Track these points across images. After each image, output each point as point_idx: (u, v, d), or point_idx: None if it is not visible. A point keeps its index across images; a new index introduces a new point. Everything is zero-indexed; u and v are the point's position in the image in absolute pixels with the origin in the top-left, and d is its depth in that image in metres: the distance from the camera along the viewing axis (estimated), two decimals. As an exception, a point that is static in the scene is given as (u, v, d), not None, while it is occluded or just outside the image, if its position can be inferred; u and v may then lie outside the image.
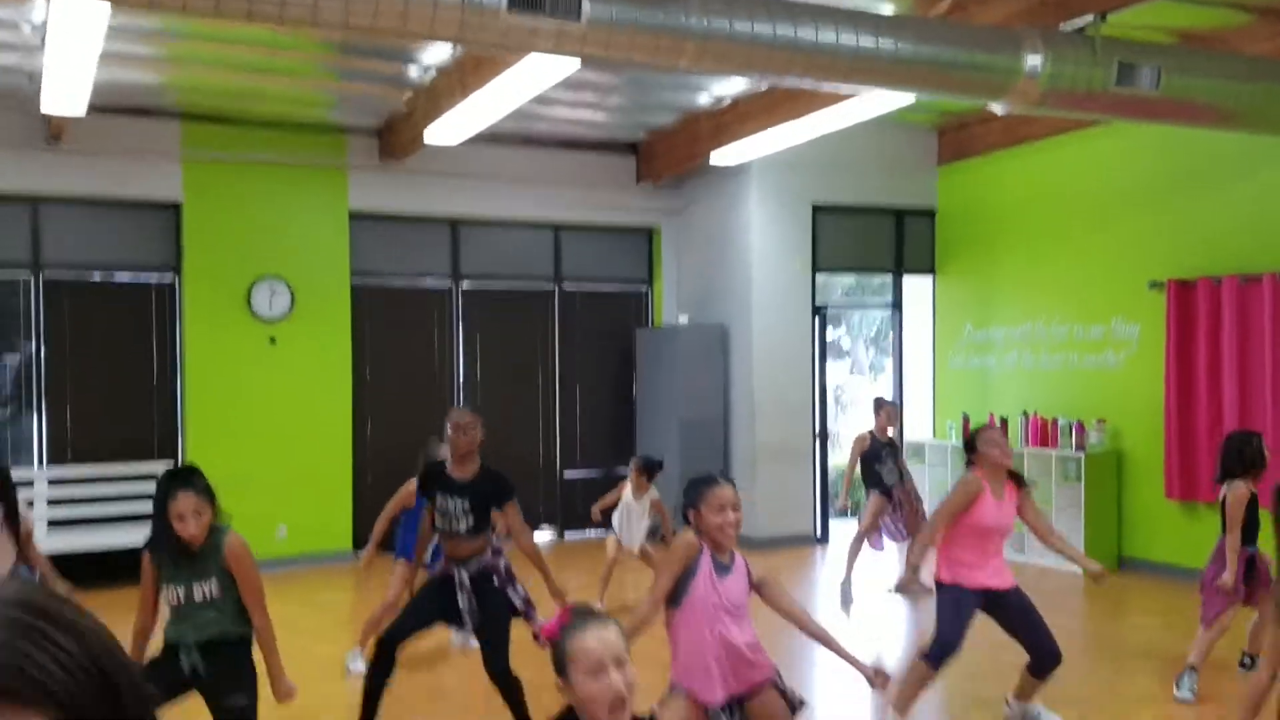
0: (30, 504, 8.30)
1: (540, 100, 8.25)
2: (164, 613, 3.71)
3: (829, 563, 9.21)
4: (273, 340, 9.06)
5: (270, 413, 9.04)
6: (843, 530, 9.56)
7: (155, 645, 3.79)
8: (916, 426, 10.65)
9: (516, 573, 4.87)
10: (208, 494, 3.54)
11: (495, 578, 4.73)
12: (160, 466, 7.90)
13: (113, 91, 7.94)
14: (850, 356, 15.85)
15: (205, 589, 3.52)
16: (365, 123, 9.12)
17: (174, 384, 9.01)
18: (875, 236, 10.49)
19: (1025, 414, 9.29)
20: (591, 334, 10.62)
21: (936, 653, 4.71)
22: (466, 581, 4.70)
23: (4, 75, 7.54)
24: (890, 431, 7.85)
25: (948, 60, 5.10)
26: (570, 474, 10.48)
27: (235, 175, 8.94)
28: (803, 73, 5.08)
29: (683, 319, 10.27)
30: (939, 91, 5.45)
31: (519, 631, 4.74)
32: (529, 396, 10.38)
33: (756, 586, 3.36)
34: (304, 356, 9.17)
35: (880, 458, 7.61)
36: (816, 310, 10.18)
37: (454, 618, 4.77)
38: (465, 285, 10.11)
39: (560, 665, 2.12)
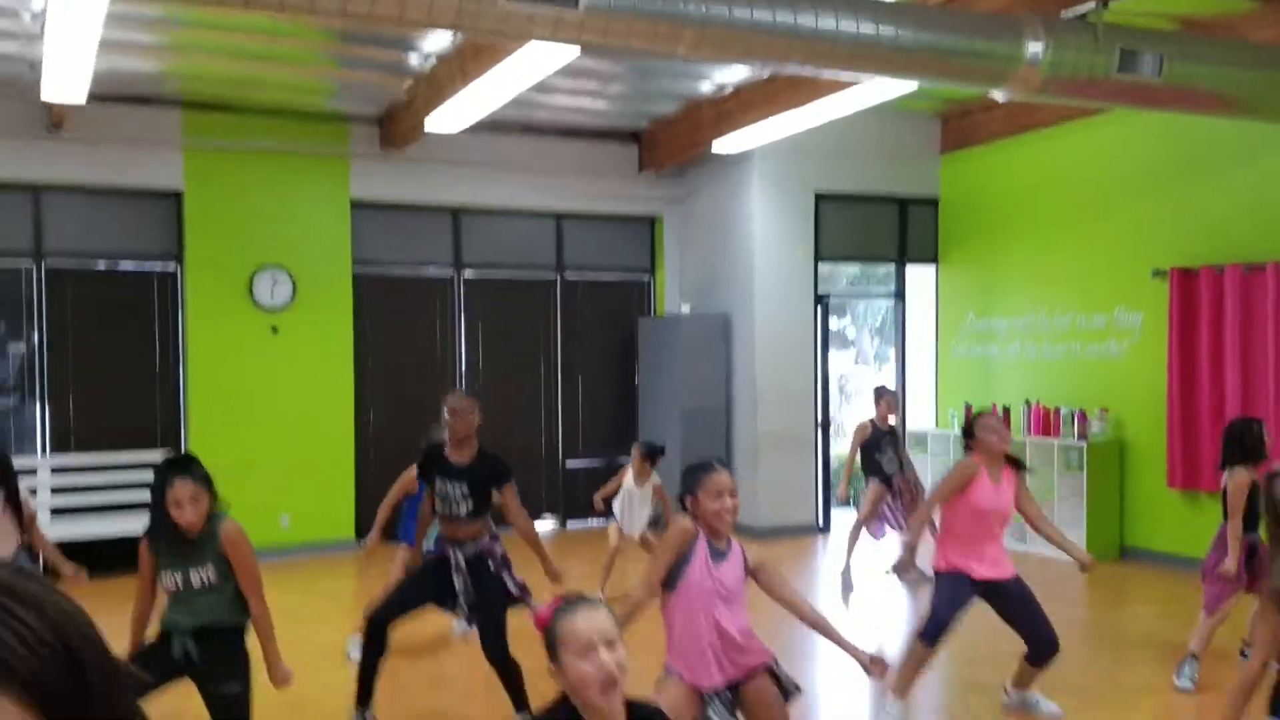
0: (34, 492, 8.34)
1: (542, 88, 8.24)
2: (162, 600, 3.72)
3: (831, 552, 9.21)
4: (275, 329, 9.07)
5: (272, 402, 9.05)
6: (845, 519, 9.56)
7: (154, 632, 3.80)
8: (919, 415, 10.64)
9: (512, 559, 4.89)
10: (205, 482, 3.55)
11: (490, 562, 4.75)
12: (163, 455, 7.92)
13: (114, 80, 7.93)
14: (855, 346, 15.84)
15: (203, 575, 3.53)
16: (366, 111, 9.11)
17: (176, 373, 9.03)
18: (878, 225, 10.47)
19: (1028, 403, 9.27)
20: (594, 323, 10.62)
21: (930, 629, 4.73)
22: (462, 563, 4.72)
23: (5, 64, 7.53)
24: (891, 420, 7.85)
25: (948, 47, 5.08)
26: (572, 463, 10.49)
27: (236, 164, 8.94)
28: (802, 60, 5.05)
29: (685, 308, 10.26)
30: (939, 79, 5.43)
31: (517, 619, 4.75)
32: (531, 386, 10.39)
33: (753, 572, 3.36)
34: (306, 346, 9.18)
35: (880, 446, 7.61)
36: (819, 299, 10.16)
37: (447, 599, 4.78)
38: (467, 274, 10.10)
39: (552, 650, 2.13)
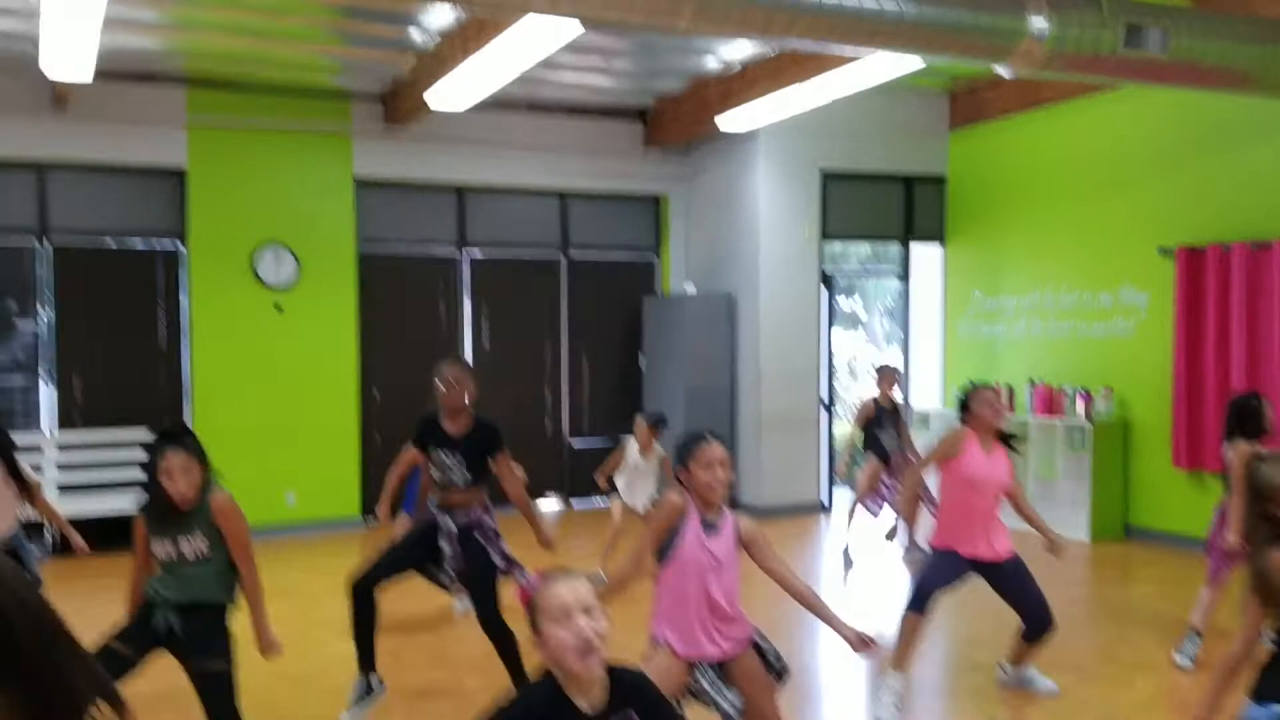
0: (39, 468, 8.39)
1: (546, 65, 8.21)
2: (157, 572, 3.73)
3: (834, 531, 9.22)
4: (279, 307, 9.08)
5: (277, 380, 9.08)
6: (847, 499, 9.56)
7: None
8: (924, 394, 10.62)
9: (512, 528, 4.91)
10: (198, 453, 3.56)
11: (479, 533, 4.76)
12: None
13: (118, 57, 7.93)
14: (866, 327, 15.81)
15: (194, 545, 3.53)
16: (370, 88, 9.09)
17: (181, 350, 9.05)
18: (884, 204, 10.42)
19: (1032, 382, 9.25)
20: (599, 303, 10.61)
21: (915, 598, 4.73)
22: (453, 528, 4.73)
23: (9, 41, 7.54)
24: (897, 396, 7.85)
25: (951, 21, 5.03)
26: (578, 443, 10.51)
27: (240, 141, 8.94)
28: (804, 34, 5.02)
29: (690, 288, 10.25)
30: (942, 54, 5.38)
31: (507, 594, 4.78)
32: (536, 365, 10.39)
33: (745, 544, 3.36)
34: (310, 323, 9.20)
35: (882, 423, 7.63)
36: (825, 278, 10.13)
37: (433, 565, 4.79)
38: (472, 254, 10.10)
39: (533, 620, 2.15)
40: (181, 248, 9.01)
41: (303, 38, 7.74)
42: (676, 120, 9.78)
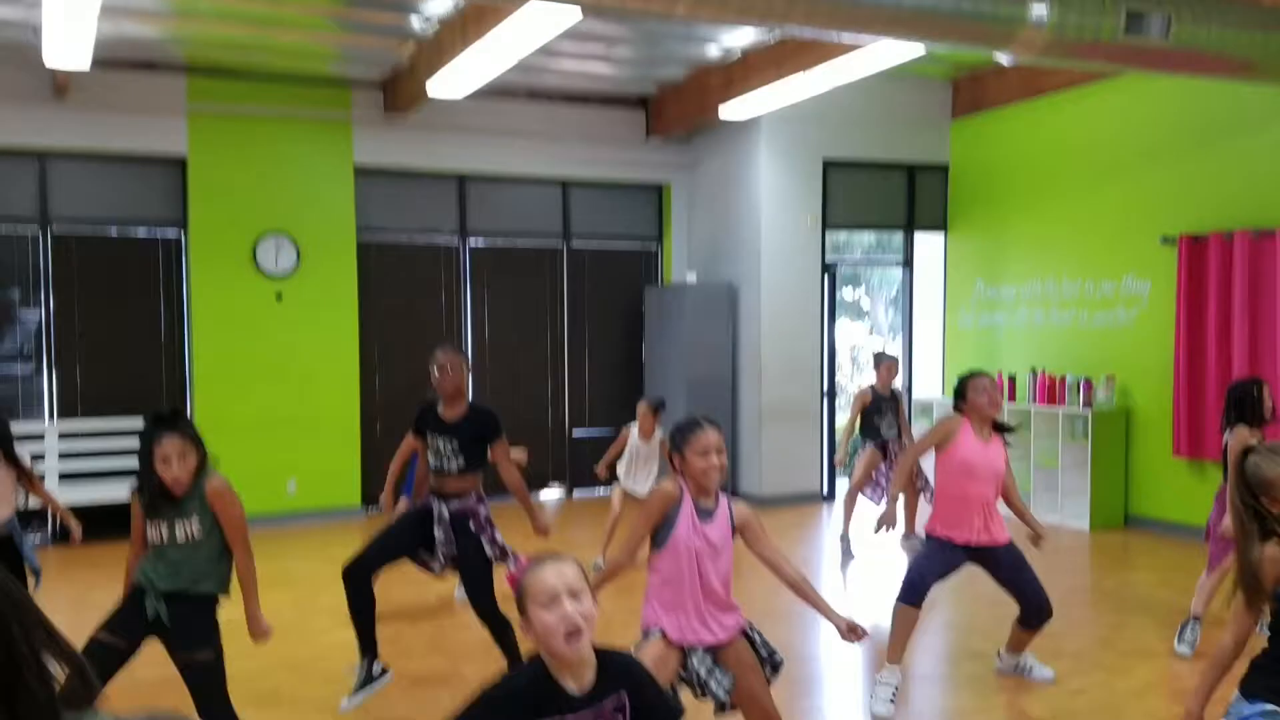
0: (41, 457, 8.41)
1: (547, 52, 8.19)
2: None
3: (835, 521, 9.21)
4: (279, 296, 9.08)
5: (278, 369, 9.09)
6: (847, 488, 9.57)
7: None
8: (926, 384, 10.62)
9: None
10: (194, 439, 3.55)
11: (472, 522, 4.76)
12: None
13: (117, 46, 7.92)
14: (870, 317, 15.79)
15: (187, 528, 3.51)
16: (369, 75, 9.07)
17: (182, 339, 9.06)
18: (886, 192, 10.39)
19: (1034, 371, 9.24)
20: (600, 292, 10.60)
21: (907, 589, 4.72)
22: (446, 515, 4.73)
23: (8, 29, 7.53)
24: (896, 384, 7.84)
25: (951, 8, 5.01)
26: (579, 433, 10.51)
27: (240, 129, 8.93)
28: (804, 21, 5.00)
29: (691, 277, 10.23)
30: (942, 41, 5.36)
31: (500, 583, 4.79)
32: (537, 355, 10.39)
33: (739, 530, 3.35)
34: (311, 312, 9.20)
35: (881, 410, 7.62)
36: (826, 268, 10.12)
37: (426, 552, 4.79)
38: (473, 242, 10.09)
39: (521, 605, 2.15)
40: (182, 236, 9.01)
41: (302, 25, 7.73)
42: (678, 108, 9.75)
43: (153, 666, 3.77)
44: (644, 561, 3.44)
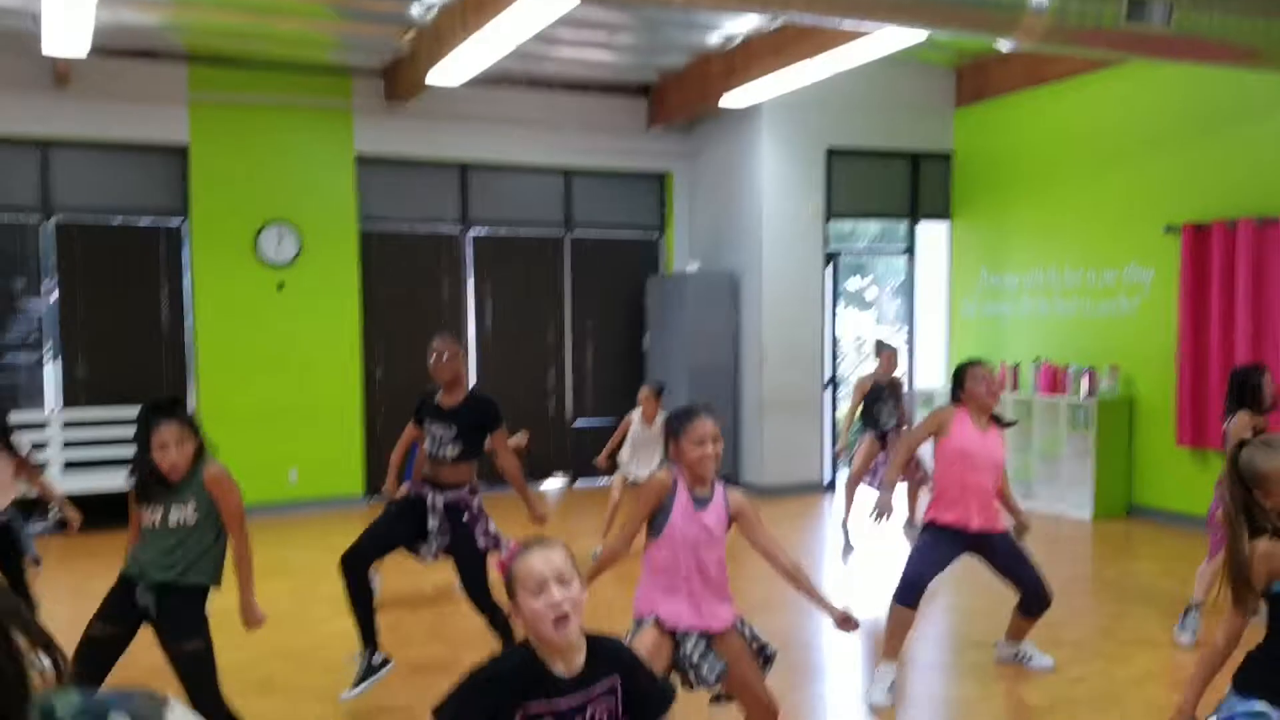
0: (44, 446, 8.43)
1: (548, 40, 8.17)
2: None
3: (837, 510, 9.21)
4: (281, 285, 9.08)
5: (280, 358, 9.09)
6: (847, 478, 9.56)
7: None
8: (929, 373, 10.59)
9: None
10: (191, 425, 3.54)
11: (465, 513, 4.75)
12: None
13: (118, 34, 7.91)
14: (877, 307, 15.74)
15: (182, 513, 3.49)
16: (369, 63, 9.05)
17: (185, 327, 9.06)
18: (890, 181, 10.36)
19: (1037, 361, 9.21)
20: (602, 282, 10.58)
21: (901, 590, 4.69)
22: (440, 505, 4.73)
23: (8, 18, 7.51)
24: (897, 373, 7.81)
25: (952, -6, 4.99)
26: (581, 422, 10.50)
27: (241, 118, 8.92)
28: (805, 8, 4.98)
29: (693, 266, 10.21)
30: (944, 28, 5.34)
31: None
32: (539, 344, 10.38)
33: (734, 517, 3.35)
34: (312, 301, 9.20)
35: (881, 399, 7.60)
36: (829, 257, 10.09)
37: (419, 540, 4.79)
38: (475, 231, 10.07)
39: (510, 590, 2.15)
40: (184, 225, 9.01)
41: (302, 13, 7.71)
42: (679, 96, 9.72)
43: (154, 652, 3.77)
44: (639, 551, 3.44)
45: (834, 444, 10.06)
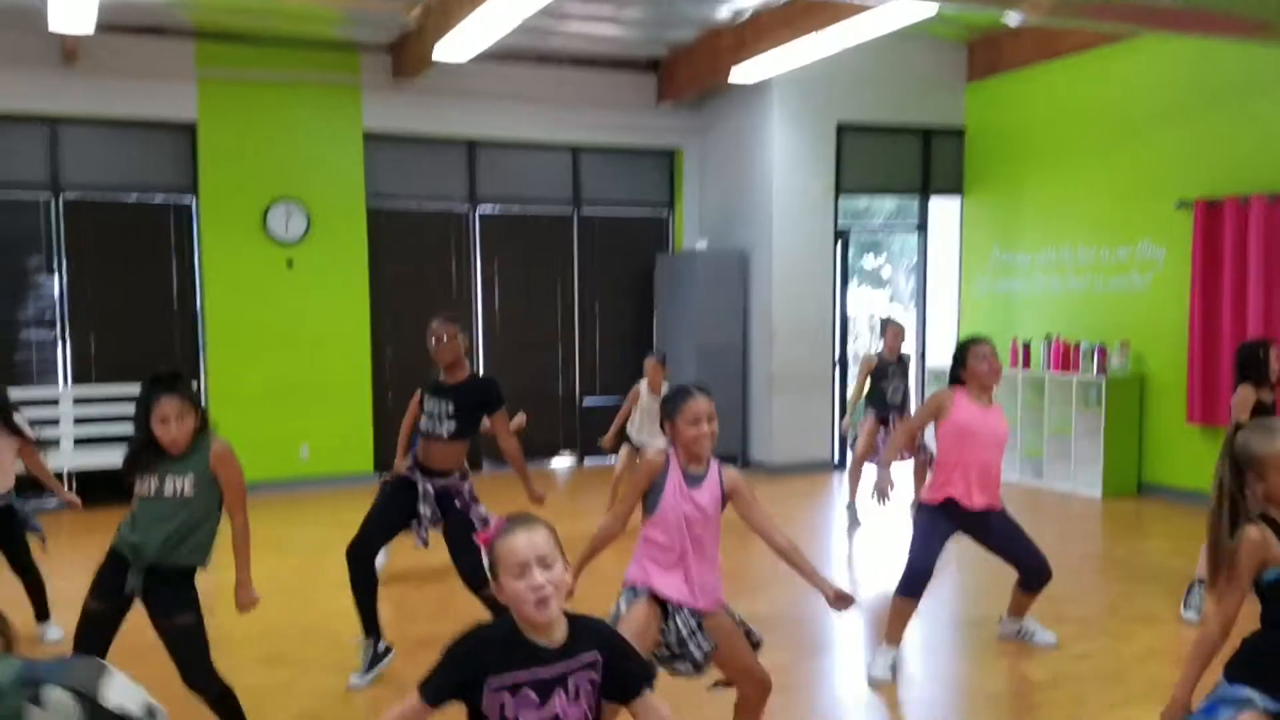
0: (56, 422, 8.49)
1: (555, 15, 8.13)
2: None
3: (844, 491, 9.20)
4: (290, 263, 9.10)
5: (289, 335, 9.12)
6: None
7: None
8: (940, 351, 10.54)
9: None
10: (191, 400, 3.55)
11: (457, 500, 4.76)
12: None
13: (124, 10, 7.90)
14: (891, 285, 15.68)
15: (178, 484, 3.49)
16: (377, 39, 9.02)
17: (195, 305, 9.10)
18: (901, 157, 10.28)
19: (1048, 338, 9.16)
20: (611, 260, 10.55)
21: (905, 582, 4.67)
22: (431, 492, 4.73)
23: (16, -6, 7.52)
24: (903, 350, 7.77)
25: (958, -35, 4.93)
26: (589, 401, 10.50)
27: (250, 94, 8.91)
28: (809, -20, 4.93)
29: (702, 244, 10.17)
30: (952, 0, 5.28)
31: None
32: (548, 322, 10.38)
33: (728, 495, 3.34)
34: (321, 279, 9.21)
35: (887, 376, 7.57)
36: (839, 234, 10.03)
37: (417, 523, 4.80)
38: (483, 209, 10.05)
39: (493, 569, 2.15)
40: (193, 202, 9.02)
41: (308, -11, 7.68)
42: (689, 71, 9.66)
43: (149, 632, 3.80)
44: (635, 528, 3.44)
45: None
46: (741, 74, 8.67)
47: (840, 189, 9.94)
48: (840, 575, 6.42)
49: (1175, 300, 8.25)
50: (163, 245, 9.02)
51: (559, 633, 2.15)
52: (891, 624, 4.70)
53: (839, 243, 10.03)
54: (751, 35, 8.40)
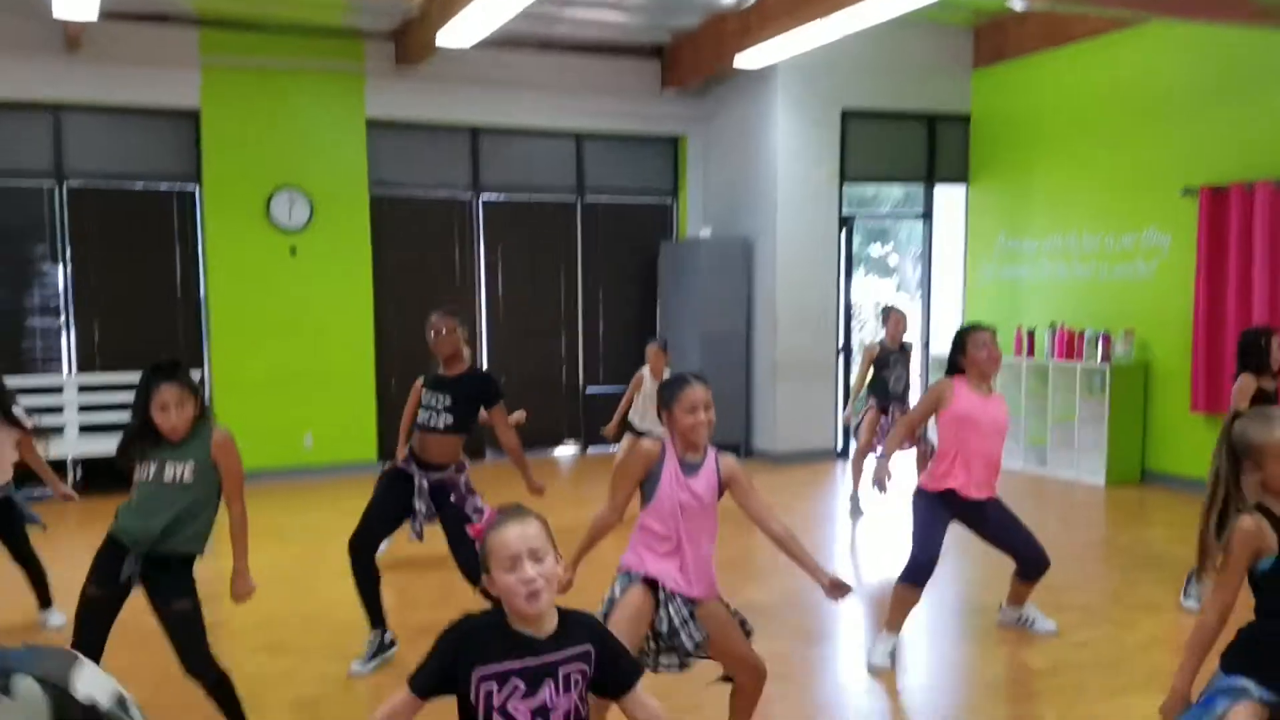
0: (60, 410, 8.52)
1: (558, 1, 8.11)
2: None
3: (849, 476, 9.20)
4: (293, 250, 9.10)
5: (293, 323, 9.12)
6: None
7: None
8: (945, 339, 10.50)
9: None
10: (191, 388, 3.56)
11: (454, 493, 4.76)
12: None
13: (128, -3, 7.89)
14: (899, 273, 15.64)
15: (177, 470, 3.49)
16: (380, 26, 9.00)
17: (198, 293, 9.10)
18: (906, 144, 10.24)
19: (1053, 325, 9.13)
20: (615, 247, 10.54)
21: (910, 571, 4.65)
22: (426, 487, 4.74)
23: (18, -19, 7.51)
24: (905, 338, 7.75)
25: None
26: (593, 389, 10.49)
27: (253, 82, 8.90)
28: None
29: (705, 232, 10.15)
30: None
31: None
32: (551, 311, 10.37)
33: (726, 483, 3.34)
34: (325, 266, 9.21)
35: (889, 364, 7.55)
36: (844, 221, 10.00)
37: (411, 517, 4.81)
38: (486, 197, 10.03)
39: (485, 562, 2.15)
40: (197, 190, 9.02)
41: (311, -24, 7.66)
42: (693, 57, 9.62)
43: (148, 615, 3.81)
44: (632, 518, 3.44)
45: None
46: (746, 60, 8.63)
47: (845, 176, 9.91)
48: (843, 564, 6.41)
49: (1180, 287, 8.22)
50: (166, 233, 9.02)
51: (549, 625, 2.16)
52: (893, 612, 4.70)
53: (843, 230, 10.00)
54: (756, 21, 8.36)
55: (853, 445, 9.85)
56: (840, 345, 10.09)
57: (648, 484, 3.31)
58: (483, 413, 4.94)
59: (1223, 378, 7.77)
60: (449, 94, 9.48)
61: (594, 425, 10.27)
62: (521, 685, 2.10)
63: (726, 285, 9.92)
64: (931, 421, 5.01)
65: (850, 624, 5.33)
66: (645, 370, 7.48)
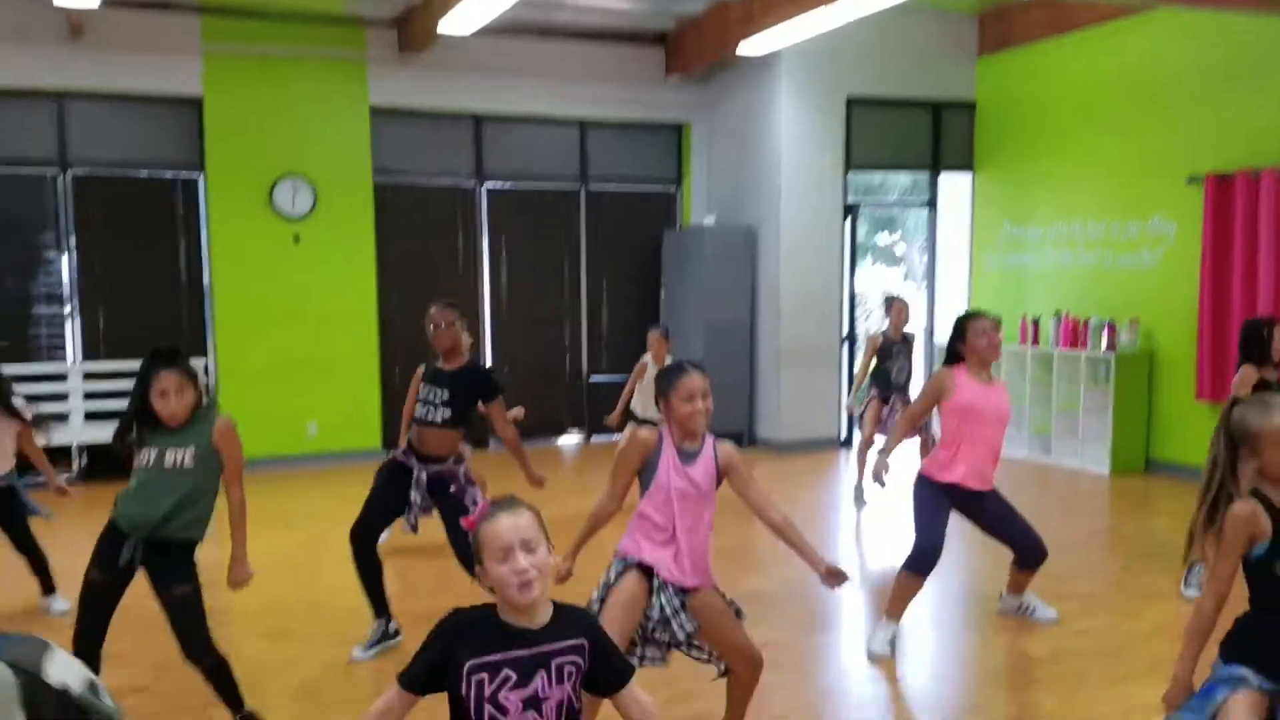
0: (65, 397, 8.54)
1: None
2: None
3: (854, 466, 9.18)
4: (297, 238, 9.10)
5: (298, 311, 9.13)
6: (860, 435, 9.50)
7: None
8: (949, 328, 10.48)
9: (475, 478, 4.93)
10: (190, 375, 3.57)
11: (452, 484, 4.76)
12: (192, 363, 8.03)
13: (129, -16, 7.88)
14: (905, 262, 15.61)
15: (178, 456, 3.51)
16: (382, 13, 8.98)
17: (202, 280, 9.11)
18: (910, 131, 10.20)
19: (1058, 314, 9.10)
20: (619, 235, 10.52)
21: (914, 560, 4.64)
22: (424, 479, 4.74)
23: (20, -32, 7.50)
24: (909, 327, 7.72)
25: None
26: (596, 377, 10.49)
27: (256, 70, 8.88)
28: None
29: (709, 220, 10.12)
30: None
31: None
32: (554, 299, 10.36)
33: (724, 471, 3.33)
34: (328, 254, 9.21)
35: (892, 354, 7.52)
36: (848, 209, 9.97)
37: (409, 509, 4.82)
38: (490, 185, 10.02)
39: (478, 553, 2.15)
40: (200, 178, 9.02)
41: (313, -37, 7.64)
42: (697, 44, 9.59)
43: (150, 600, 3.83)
44: (631, 506, 3.44)
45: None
46: (750, 47, 8.60)
47: (849, 164, 9.87)
48: (846, 552, 6.41)
49: (1185, 276, 8.19)
50: (170, 220, 9.02)
51: (543, 616, 2.15)
52: (894, 600, 4.69)
53: (848, 218, 9.97)
54: (760, 8, 8.32)
55: (856, 434, 9.89)
56: (845, 334, 10.07)
57: (645, 472, 3.30)
58: (481, 406, 4.94)
59: (1228, 366, 7.73)
60: (452, 81, 9.46)
61: (597, 413, 10.26)
62: (513, 675, 2.10)
63: (730, 273, 9.90)
64: (935, 413, 4.99)
65: (850, 612, 5.34)
66: (647, 358, 7.48)
